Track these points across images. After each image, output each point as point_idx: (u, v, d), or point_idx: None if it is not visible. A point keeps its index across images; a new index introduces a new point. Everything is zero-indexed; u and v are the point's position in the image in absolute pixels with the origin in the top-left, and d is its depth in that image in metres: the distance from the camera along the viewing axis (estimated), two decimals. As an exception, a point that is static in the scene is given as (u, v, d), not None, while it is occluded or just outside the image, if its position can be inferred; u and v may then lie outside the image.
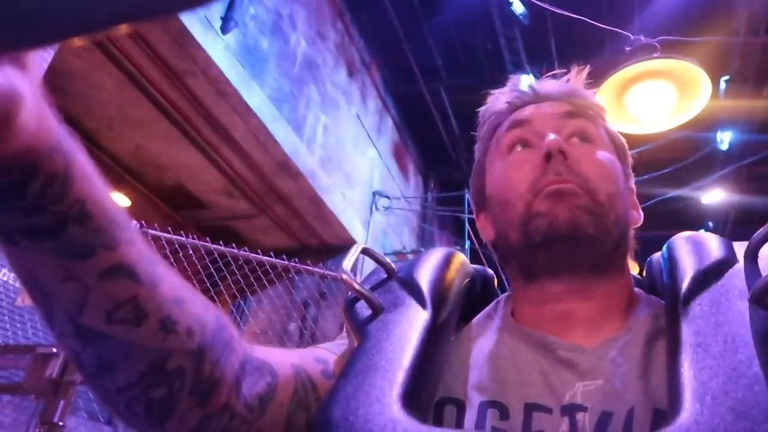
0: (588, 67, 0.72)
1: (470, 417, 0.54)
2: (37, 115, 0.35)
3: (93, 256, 0.41)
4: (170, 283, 0.47)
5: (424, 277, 0.63)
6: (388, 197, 5.13)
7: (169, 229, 2.77)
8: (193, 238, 2.85)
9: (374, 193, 5.09)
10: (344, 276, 0.60)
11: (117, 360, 0.46)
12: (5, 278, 3.23)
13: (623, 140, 0.71)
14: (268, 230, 4.52)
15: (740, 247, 0.55)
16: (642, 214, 0.68)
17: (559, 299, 0.60)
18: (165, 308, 0.45)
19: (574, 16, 3.47)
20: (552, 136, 0.60)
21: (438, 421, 0.55)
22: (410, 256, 4.71)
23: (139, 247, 0.44)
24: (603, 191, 0.59)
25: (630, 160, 0.71)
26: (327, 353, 0.62)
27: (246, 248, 3.05)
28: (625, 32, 3.23)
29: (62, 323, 0.44)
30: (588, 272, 0.59)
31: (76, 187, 0.39)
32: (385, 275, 0.66)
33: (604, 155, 0.63)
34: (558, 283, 0.60)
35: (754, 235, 0.52)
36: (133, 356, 0.46)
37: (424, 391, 0.54)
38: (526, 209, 0.60)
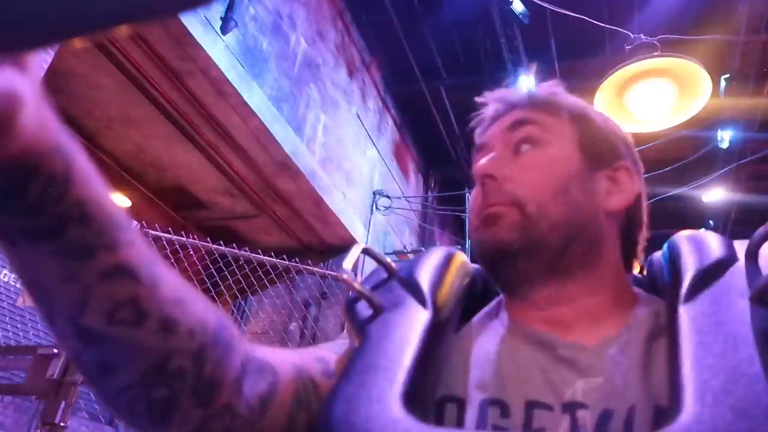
0: (535, 65, 0.73)
1: (471, 415, 0.54)
2: (38, 116, 0.35)
3: (93, 257, 0.41)
4: (171, 284, 0.47)
5: (425, 277, 0.63)
6: (388, 197, 5.13)
7: (170, 229, 2.77)
8: (194, 239, 2.85)
9: (375, 193, 5.09)
10: (345, 276, 0.60)
11: (118, 361, 0.46)
12: (6, 279, 3.24)
13: (595, 119, 0.68)
14: (269, 230, 4.52)
15: (741, 246, 0.55)
16: (630, 194, 0.65)
17: (540, 306, 0.61)
18: (166, 309, 0.45)
19: (575, 15, 3.47)
20: (481, 162, 0.63)
21: (439, 420, 0.55)
22: (411, 256, 4.71)
23: (140, 248, 0.44)
24: (532, 202, 0.60)
25: (608, 139, 0.67)
26: (328, 353, 0.62)
27: (246, 248, 3.05)
28: (625, 31, 3.23)
29: (63, 324, 0.44)
30: (549, 280, 0.60)
31: (76, 188, 0.39)
32: (386, 275, 0.66)
33: (542, 159, 0.63)
34: (531, 292, 0.61)
35: (755, 234, 0.53)
36: (134, 357, 0.46)
37: (425, 390, 0.54)
38: (473, 230, 0.64)
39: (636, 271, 0.74)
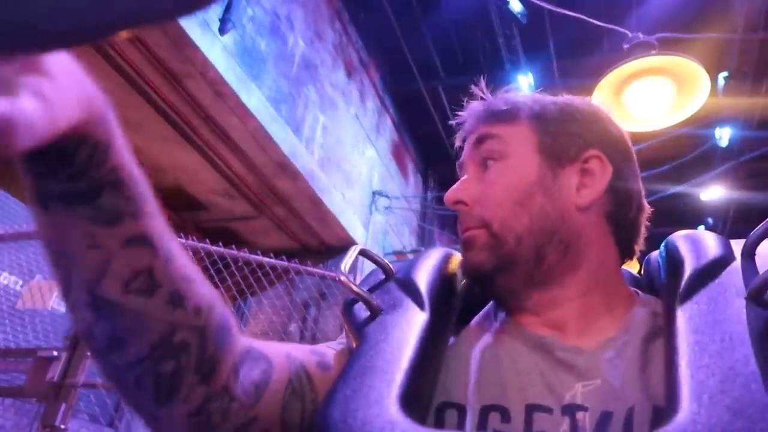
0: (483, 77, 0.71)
1: (471, 421, 0.54)
2: (84, 88, 0.38)
3: (120, 224, 0.43)
4: (182, 261, 0.48)
5: (422, 278, 0.63)
6: (387, 197, 5.12)
7: (169, 231, 2.76)
8: (193, 240, 2.85)
9: (374, 193, 5.08)
10: (342, 278, 0.60)
11: (128, 333, 0.47)
12: (6, 282, 3.23)
13: (555, 114, 0.65)
14: (268, 231, 4.52)
15: (738, 245, 0.56)
16: (602, 184, 0.63)
17: (534, 312, 0.61)
18: (176, 283, 0.47)
19: (572, 14, 3.47)
20: (450, 189, 0.65)
21: (439, 426, 0.55)
22: (410, 256, 4.71)
23: (159, 221, 0.46)
24: (496, 220, 0.61)
25: (570, 131, 0.64)
26: (325, 348, 0.63)
27: (246, 249, 3.05)
28: (623, 30, 3.23)
29: (79, 293, 0.45)
30: (532, 290, 0.61)
31: (115, 155, 0.42)
32: (384, 276, 0.66)
33: (501, 174, 0.63)
34: (520, 302, 0.62)
35: (751, 233, 0.53)
36: (143, 329, 0.47)
37: (423, 392, 0.54)
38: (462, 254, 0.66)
39: (635, 270, 0.74)
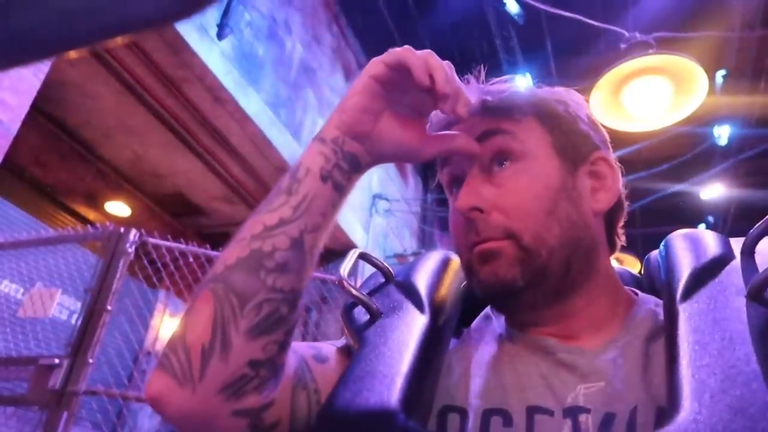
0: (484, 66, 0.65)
1: (473, 425, 0.54)
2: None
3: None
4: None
5: (422, 281, 0.63)
6: (387, 200, 5.12)
7: (169, 237, 2.76)
8: (194, 245, 2.85)
9: (374, 196, 5.08)
10: (342, 281, 0.60)
11: (294, 267, 0.53)
12: (6, 290, 3.24)
13: (562, 112, 0.62)
14: (269, 235, 4.51)
15: (737, 243, 0.56)
16: (616, 188, 0.62)
17: (545, 324, 0.59)
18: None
19: (569, 15, 3.47)
20: (461, 196, 0.58)
21: (441, 430, 0.55)
22: (412, 258, 4.71)
23: None
24: (526, 232, 0.56)
25: (579, 131, 0.62)
26: (321, 343, 0.63)
27: (246, 254, 3.04)
28: (620, 29, 3.23)
29: (309, 241, 0.54)
30: (554, 301, 0.58)
31: None
32: (383, 279, 0.66)
33: (525, 179, 0.58)
34: (535, 316, 0.59)
35: (751, 231, 0.53)
36: (302, 274, 0.54)
37: (423, 396, 0.54)
38: (466, 263, 0.60)
39: (635, 269, 0.74)
